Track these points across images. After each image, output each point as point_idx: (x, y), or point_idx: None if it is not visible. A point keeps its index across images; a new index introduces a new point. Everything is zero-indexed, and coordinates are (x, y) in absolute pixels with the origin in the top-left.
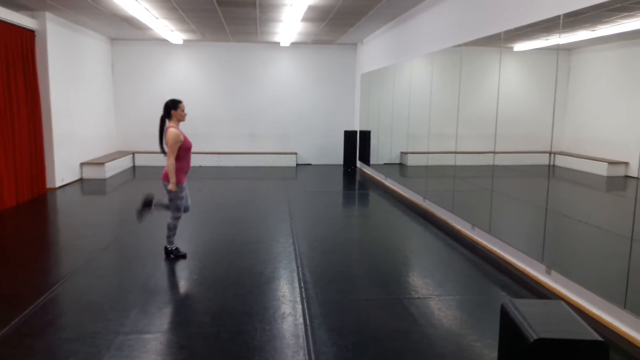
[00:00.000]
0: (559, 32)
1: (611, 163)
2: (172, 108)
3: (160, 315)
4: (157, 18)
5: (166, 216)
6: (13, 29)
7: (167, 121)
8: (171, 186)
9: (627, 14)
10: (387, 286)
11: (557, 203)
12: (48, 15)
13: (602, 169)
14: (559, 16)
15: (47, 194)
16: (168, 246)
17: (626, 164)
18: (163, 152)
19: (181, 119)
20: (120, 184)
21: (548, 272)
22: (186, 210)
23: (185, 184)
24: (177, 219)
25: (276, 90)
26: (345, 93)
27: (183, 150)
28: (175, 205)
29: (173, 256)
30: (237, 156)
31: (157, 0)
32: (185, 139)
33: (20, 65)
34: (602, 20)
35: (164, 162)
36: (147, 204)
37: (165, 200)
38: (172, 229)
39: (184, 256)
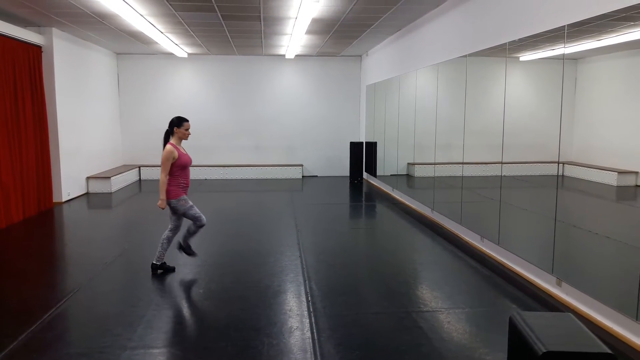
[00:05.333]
0: (564, 42)
1: (621, 172)
2: (175, 125)
3: (167, 329)
4: (162, 33)
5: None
6: (20, 45)
7: (170, 137)
8: (160, 202)
9: (631, 23)
10: (395, 299)
11: (566, 213)
12: (55, 31)
13: (611, 179)
14: (563, 27)
15: (54, 208)
16: (181, 242)
17: (636, 173)
18: None
19: (183, 137)
20: (126, 198)
21: (558, 284)
22: (177, 229)
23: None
24: (201, 226)
25: (281, 102)
26: (351, 104)
27: (178, 168)
28: (192, 215)
29: (182, 252)
30: (243, 169)
31: (163, 15)
32: (181, 156)
33: (28, 81)
34: (606, 29)
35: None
36: (182, 249)
37: (188, 230)
38: (191, 233)
39: (172, 269)
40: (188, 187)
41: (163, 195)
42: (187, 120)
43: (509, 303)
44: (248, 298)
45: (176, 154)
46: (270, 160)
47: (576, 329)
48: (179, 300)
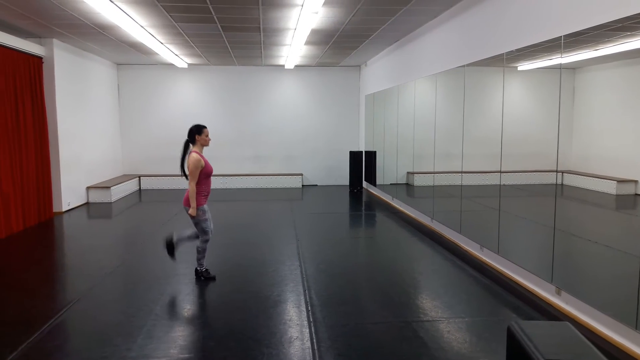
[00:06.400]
0: (561, 53)
1: (620, 181)
2: (196, 133)
3: (167, 339)
4: (162, 43)
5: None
6: (21, 56)
7: (190, 146)
8: (191, 211)
9: (628, 33)
10: (395, 309)
11: (566, 222)
12: (56, 42)
13: (611, 188)
14: (560, 37)
15: (54, 218)
16: (198, 268)
17: (635, 182)
18: (185, 176)
19: (205, 144)
20: (126, 208)
21: (558, 293)
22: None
23: (206, 206)
24: (206, 241)
25: (281, 112)
26: (350, 114)
27: (203, 175)
28: (202, 228)
29: (203, 278)
30: (243, 178)
31: (163, 27)
32: (206, 164)
33: (28, 91)
34: (603, 39)
35: (172, 185)
36: (169, 245)
37: (186, 232)
38: (201, 252)
39: (213, 278)
40: (209, 195)
41: (194, 204)
42: (206, 127)
43: (509, 312)
44: (248, 308)
45: (202, 162)
46: (270, 169)
47: (574, 338)
48: (179, 310)
